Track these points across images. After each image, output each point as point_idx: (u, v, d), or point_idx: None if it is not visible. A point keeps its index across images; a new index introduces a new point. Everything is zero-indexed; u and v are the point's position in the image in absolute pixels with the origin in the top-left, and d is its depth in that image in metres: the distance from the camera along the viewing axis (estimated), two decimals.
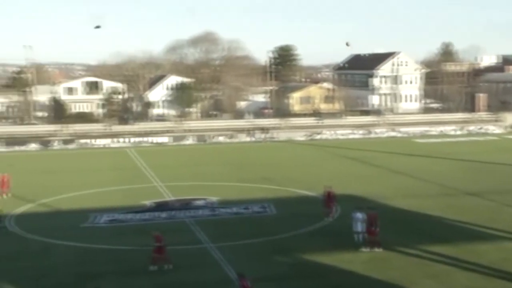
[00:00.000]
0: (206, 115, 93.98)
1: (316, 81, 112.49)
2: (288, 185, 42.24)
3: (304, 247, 26.79)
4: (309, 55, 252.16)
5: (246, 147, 68.39)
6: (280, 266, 24.53)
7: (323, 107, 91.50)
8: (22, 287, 22.14)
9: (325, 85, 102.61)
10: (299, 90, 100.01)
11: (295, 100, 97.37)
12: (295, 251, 26.24)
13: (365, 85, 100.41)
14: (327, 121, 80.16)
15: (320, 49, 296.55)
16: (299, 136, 75.33)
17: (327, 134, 76.49)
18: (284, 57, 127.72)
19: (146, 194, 39.50)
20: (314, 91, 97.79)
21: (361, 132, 77.54)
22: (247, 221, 32.25)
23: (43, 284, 22.50)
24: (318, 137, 75.58)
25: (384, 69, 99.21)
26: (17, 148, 68.21)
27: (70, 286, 22.34)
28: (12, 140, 69.51)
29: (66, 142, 70.63)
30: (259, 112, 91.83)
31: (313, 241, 27.88)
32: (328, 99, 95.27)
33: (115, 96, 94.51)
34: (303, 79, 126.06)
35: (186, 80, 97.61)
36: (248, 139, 74.13)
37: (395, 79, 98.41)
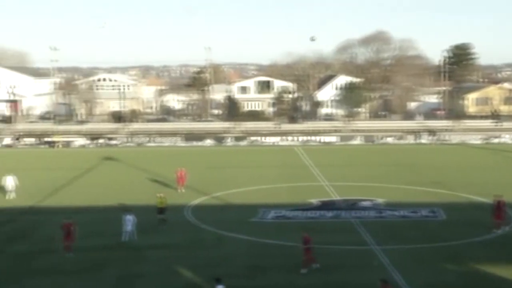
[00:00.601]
0: (375, 115, 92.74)
1: (495, 81, 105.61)
2: (459, 190, 40.22)
3: (477, 256, 25.37)
4: (488, 54, 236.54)
5: (415, 149, 66.25)
6: (449, 274, 23.50)
7: (503, 109, 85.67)
8: (198, 274, 23.68)
9: (506, 85, 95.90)
10: (475, 91, 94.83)
11: (470, 101, 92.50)
12: (466, 260, 24.96)
13: None
14: (507, 124, 74.78)
15: (502, 47, 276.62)
16: (474, 139, 71.24)
17: (506, 138, 71.44)
18: (459, 56, 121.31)
19: (313, 192, 40.07)
20: (493, 91, 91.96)
21: None
22: (414, 225, 31.34)
23: (215, 273, 23.86)
24: (495, 140, 70.85)
25: None
26: (194, 143, 73.06)
27: (241, 278, 23.46)
28: (190, 136, 74.65)
29: (238, 139, 74.13)
30: (430, 114, 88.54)
31: (486, 251, 26.29)
32: (509, 100, 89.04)
33: (285, 95, 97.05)
34: (481, 79, 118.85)
35: (355, 80, 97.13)
36: (418, 140, 71.88)
37: None
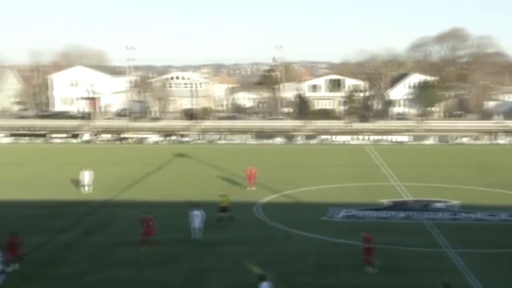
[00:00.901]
0: (449, 115, 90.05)
1: None
2: None
3: None
4: None
5: (493, 150, 63.90)
6: None
7: None
8: (267, 270, 23.73)
9: None
10: None
11: None
12: None
13: None
14: None
15: None
16: None
17: None
18: None
19: (384, 192, 39.42)
20: None
21: None
22: (492, 229, 30.25)
23: (284, 270, 23.94)
24: None
25: None
26: (265, 141, 73.42)
27: (309, 276, 23.40)
28: (261, 134, 75.06)
29: (308, 137, 73.90)
30: (510, 113, 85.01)
31: None
32: None
33: (356, 94, 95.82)
34: None
35: (429, 78, 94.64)
36: (495, 141, 69.31)
37: None
